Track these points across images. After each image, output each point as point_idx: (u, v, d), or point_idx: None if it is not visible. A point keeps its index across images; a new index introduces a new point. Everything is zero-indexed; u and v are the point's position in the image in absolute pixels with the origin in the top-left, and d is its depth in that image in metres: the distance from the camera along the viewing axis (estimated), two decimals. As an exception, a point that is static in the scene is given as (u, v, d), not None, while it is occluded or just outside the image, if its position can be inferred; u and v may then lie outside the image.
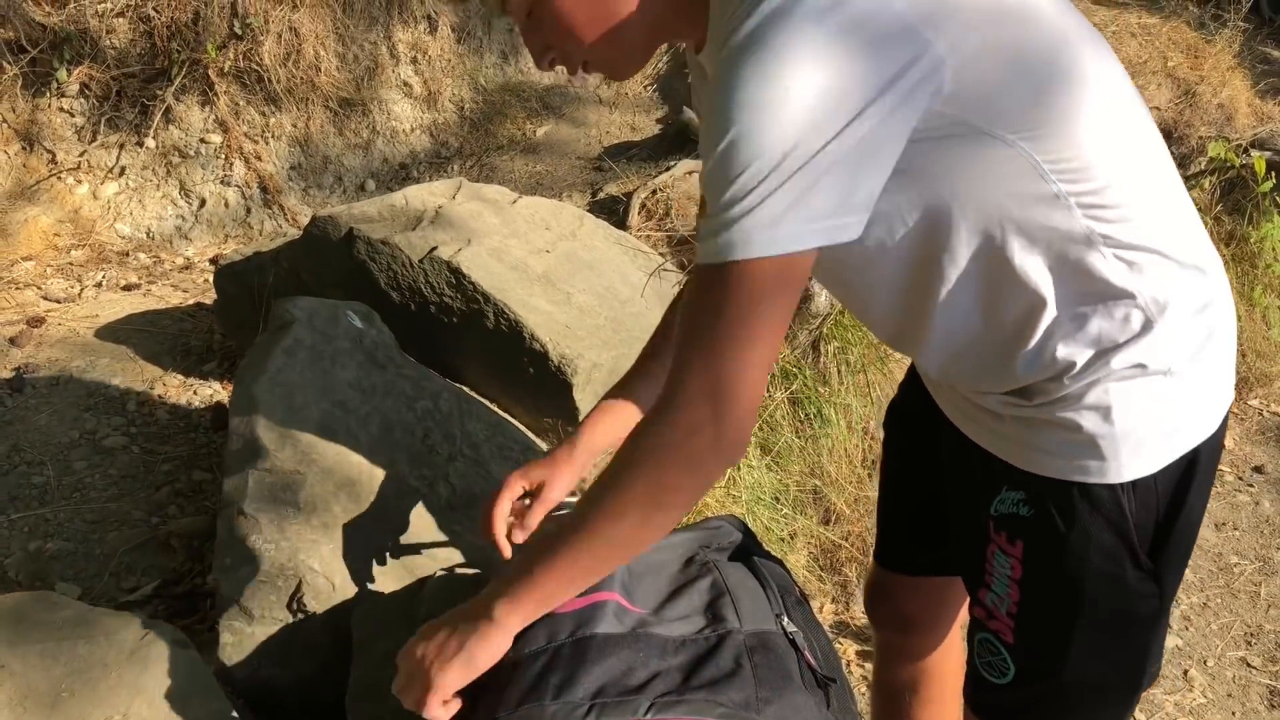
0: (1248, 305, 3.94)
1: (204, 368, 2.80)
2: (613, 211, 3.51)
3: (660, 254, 3.05)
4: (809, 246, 0.96)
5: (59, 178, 3.58)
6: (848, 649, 2.49)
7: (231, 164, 3.82)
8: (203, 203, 3.78)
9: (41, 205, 3.51)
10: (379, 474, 1.85)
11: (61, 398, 2.53)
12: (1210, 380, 1.18)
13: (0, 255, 3.30)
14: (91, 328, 2.90)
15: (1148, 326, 1.11)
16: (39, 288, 3.18)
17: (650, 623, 1.21)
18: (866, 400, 2.72)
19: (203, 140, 3.78)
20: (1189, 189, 4.12)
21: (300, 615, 1.67)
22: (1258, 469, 3.44)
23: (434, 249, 2.38)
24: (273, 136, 3.90)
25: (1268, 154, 4.04)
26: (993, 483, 1.22)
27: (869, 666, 2.42)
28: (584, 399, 2.31)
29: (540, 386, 2.31)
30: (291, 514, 1.74)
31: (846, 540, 2.62)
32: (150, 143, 3.69)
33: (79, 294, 3.19)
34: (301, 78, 3.85)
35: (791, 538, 2.54)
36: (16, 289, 3.15)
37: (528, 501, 1.44)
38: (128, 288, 3.28)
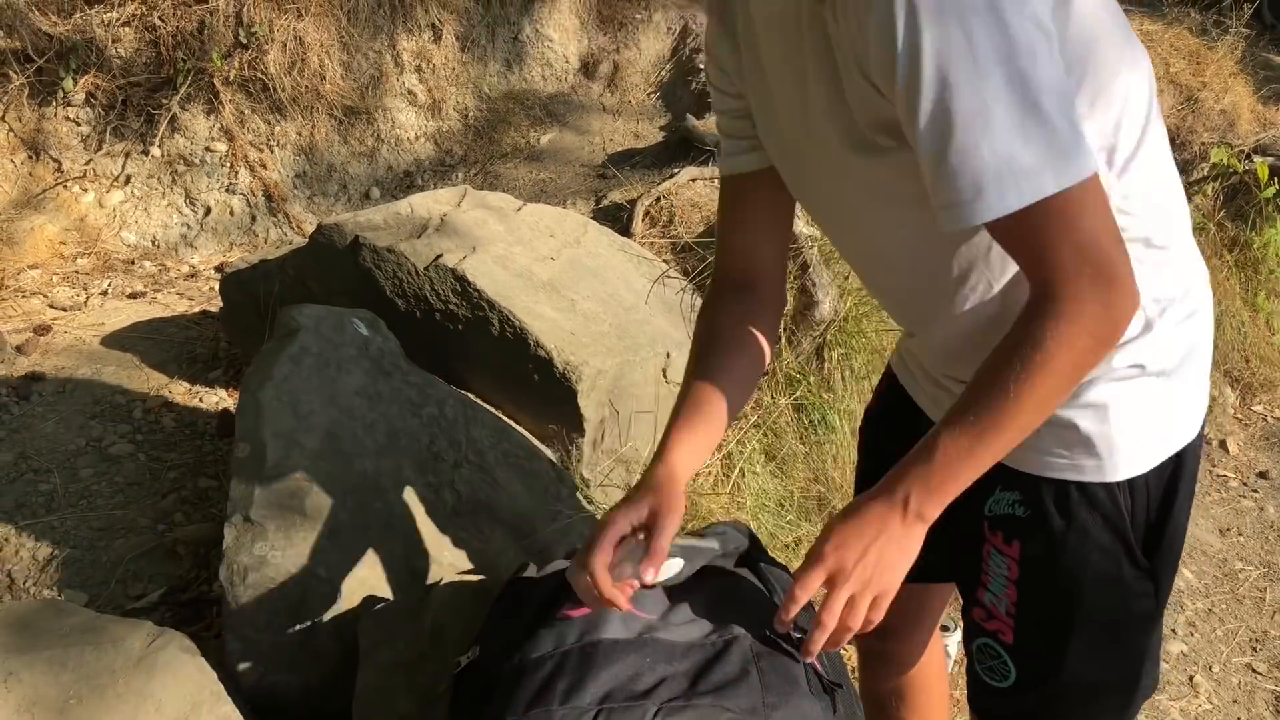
0: (1251, 311, 3.94)
1: (210, 375, 2.80)
2: (617, 219, 3.51)
3: (664, 261, 3.05)
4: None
5: (65, 186, 3.59)
6: (853, 655, 2.48)
7: (237, 172, 3.83)
8: (208, 211, 3.79)
9: (47, 214, 3.52)
10: (385, 481, 1.86)
11: (68, 405, 2.53)
12: (1196, 383, 1.20)
13: (7, 263, 3.31)
14: (97, 335, 2.91)
15: (1148, 327, 1.12)
16: (45, 296, 3.19)
17: (657, 628, 1.22)
18: (871, 406, 2.72)
19: (208, 149, 3.79)
20: (1192, 195, 4.14)
21: (307, 622, 1.68)
22: (1262, 475, 3.44)
23: (439, 256, 2.39)
24: (278, 145, 3.91)
25: (1270, 160, 4.05)
26: (985, 483, 1.20)
27: (874, 672, 2.43)
28: (589, 406, 2.31)
29: (545, 393, 2.32)
30: (298, 521, 1.75)
31: (851, 546, 2.62)
32: (156, 151, 3.70)
33: (85, 302, 3.19)
34: (306, 86, 3.86)
35: (796, 544, 2.55)
36: (23, 297, 3.16)
37: (641, 537, 1.21)
38: (133, 296, 3.29)
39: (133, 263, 3.54)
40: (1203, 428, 1.22)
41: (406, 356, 2.17)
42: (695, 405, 1.28)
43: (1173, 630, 2.73)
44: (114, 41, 3.64)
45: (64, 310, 3.11)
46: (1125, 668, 1.25)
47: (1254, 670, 2.61)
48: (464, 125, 4.24)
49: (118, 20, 3.64)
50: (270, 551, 1.71)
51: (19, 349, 2.77)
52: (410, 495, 1.86)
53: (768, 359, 1.37)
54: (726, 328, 1.32)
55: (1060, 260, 0.95)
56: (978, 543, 1.27)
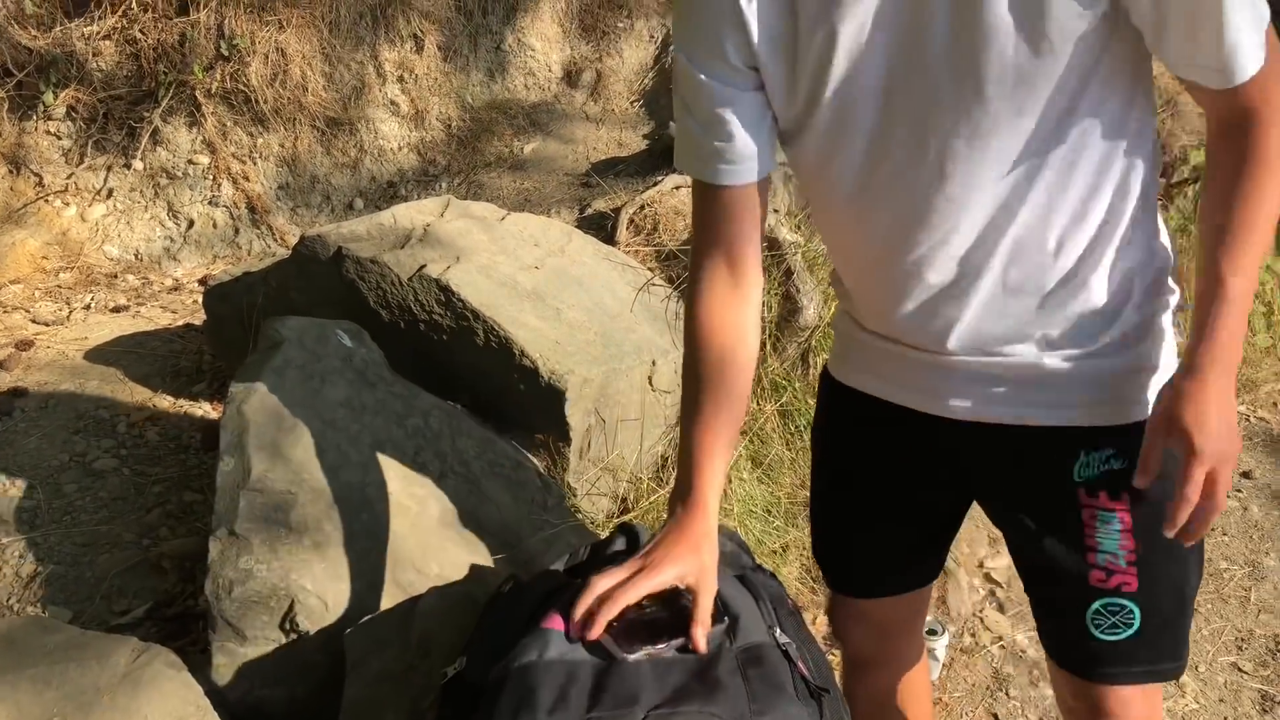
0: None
1: (194, 388, 2.79)
2: (601, 227, 3.51)
3: (649, 269, 3.06)
4: None
5: (46, 200, 3.58)
6: (840, 659, 2.48)
7: (219, 184, 3.82)
8: (191, 223, 3.78)
9: (29, 228, 3.51)
10: (370, 493, 1.85)
11: (51, 421, 2.52)
12: None
13: (-12, 279, 3.30)
14: (80, 350, 2.90)
15: (1169, 259, 1.28)
16: (27, 311, 3.18)
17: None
18: (856, 412, 2.72)
19: (190, 161, 3.78)
20: (1173, 197, 4.15)
21: (293, 635, 1.67)
22: (1245, 474, 3.46)
23: (423, 267, 2.38)
24: (260, 157, 3.90)
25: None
26: (1060, 455, 1.27)
27: (863, 677, 2.43)
28: (575, 415, 2.31)
29: (531, 403, 2.32)
30: (283, 534, 1.74)
31: (838, 552, 2.62)
32: (138, 164, 3.70)
33: (68, 316, 3.18)
34: (289, 98, 3.86)
35: (784, 550, 2.55)
36: (5, 312, 3.14)
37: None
38: (116, 309, 3.28)
39: (115, 276, 3.53)
40: None
41: (391, 368, 2.17)
42: (715, 405, 1.28)
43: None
44: (94, 55, 3.63)
45: (46, 325, 3.10)
46: (1201, 561, 1.34)
47: (1240, 669, 2.62)
48: (447, 135, 4.25)
49: (98, 34, 3.63)
50: (255, 565, 1.70)
51: (1, 365, 2.76)
52: (396, 507, 1.86)
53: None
54: (729, 321, 1.30)
55: (1269, 91, 1.10)
56: (1073, 513, 1.29)
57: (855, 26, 1.13)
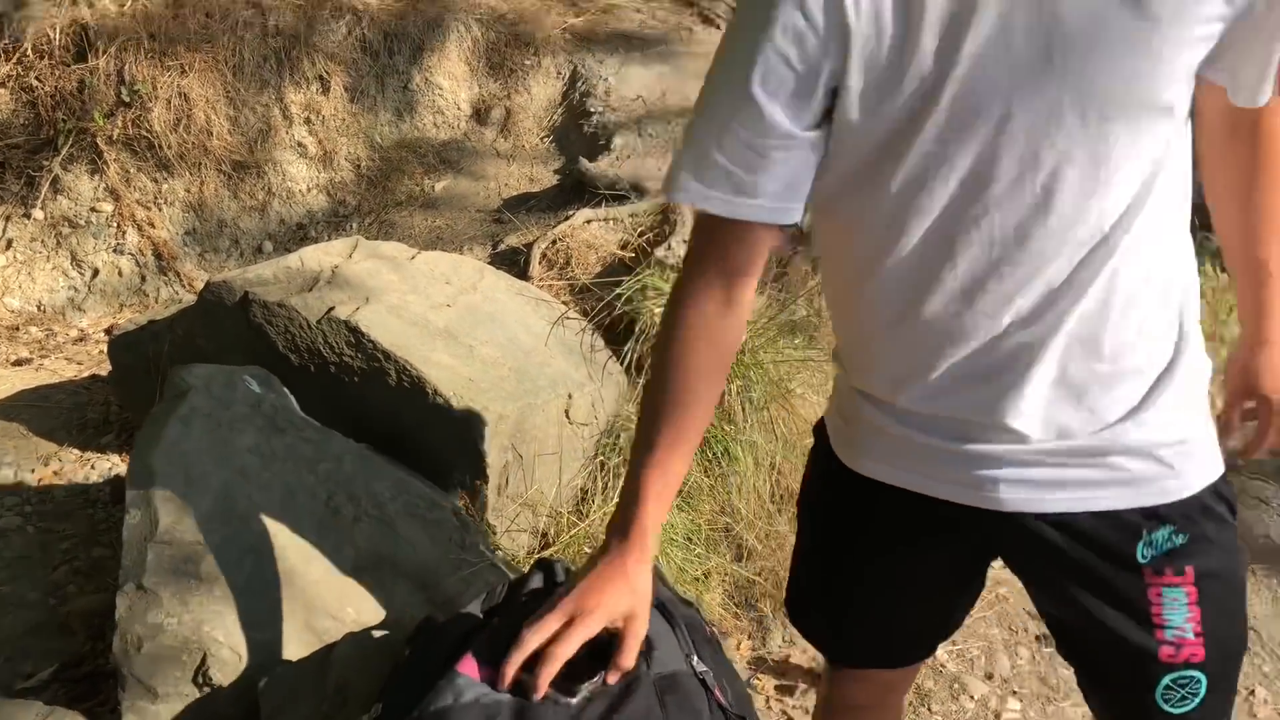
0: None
1: (102, 440, 2.74)
2: (514, 263, 3.52)
3: (563, 303, 3.07)
4: None
5: (-58, 254, 3.49)
6: (766, 684, 2.50)
7: (124, 232, 3.76)
8: (95, 272, 3.71)
9: (-75, 283, 3.42)
10: (282, 540, 1.83)
11: (-49, 481, 2.45)
12: None
13: (-118, 336, 3.21)
14: (-19, 406, 2.83)
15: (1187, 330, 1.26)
16: (-76, 368, 3.09)
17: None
18: (771, 436, 2.76)
19: (93, 209, 3.72)
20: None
21: (206, 689, 1.64)
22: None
23: (331, 309, 2.37)
24: (165, 203, 3.85)
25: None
26: (1122, 539, 1.23)
27: (789, 702, 2.45)
28: (491, 451, 2.31)
29: (446, 441, 2.31)
30: (193, 585, 1.71)
31: (760, 576, 2.65)
32: (38, 214, 3.62)
33: (-33, 372, 3.10)
34: (193, 143, 3.82)
35: (706, 576, 2.56)
36: (-100, 370, 3.05)
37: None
38: (19, 363, 3.20)
39: (17, 329, 3.45)
40: None
41: (302, 412, 2.15)
42: (670, 447, 1.20)
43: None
44: (-11, 104, 3.56)
45: (-56, 382, 3.01)
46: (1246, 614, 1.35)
47: None
48: (357, 175, 4.22)
49: (-8, 82, 3.56)
50: (165, 619, 1.67)
51: (-104, 425, 2.68)
52: (310, 553, 1.84)
53: None
54: (708, 363, 1.22)
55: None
56: (1139, 593, 1.25)
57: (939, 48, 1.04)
